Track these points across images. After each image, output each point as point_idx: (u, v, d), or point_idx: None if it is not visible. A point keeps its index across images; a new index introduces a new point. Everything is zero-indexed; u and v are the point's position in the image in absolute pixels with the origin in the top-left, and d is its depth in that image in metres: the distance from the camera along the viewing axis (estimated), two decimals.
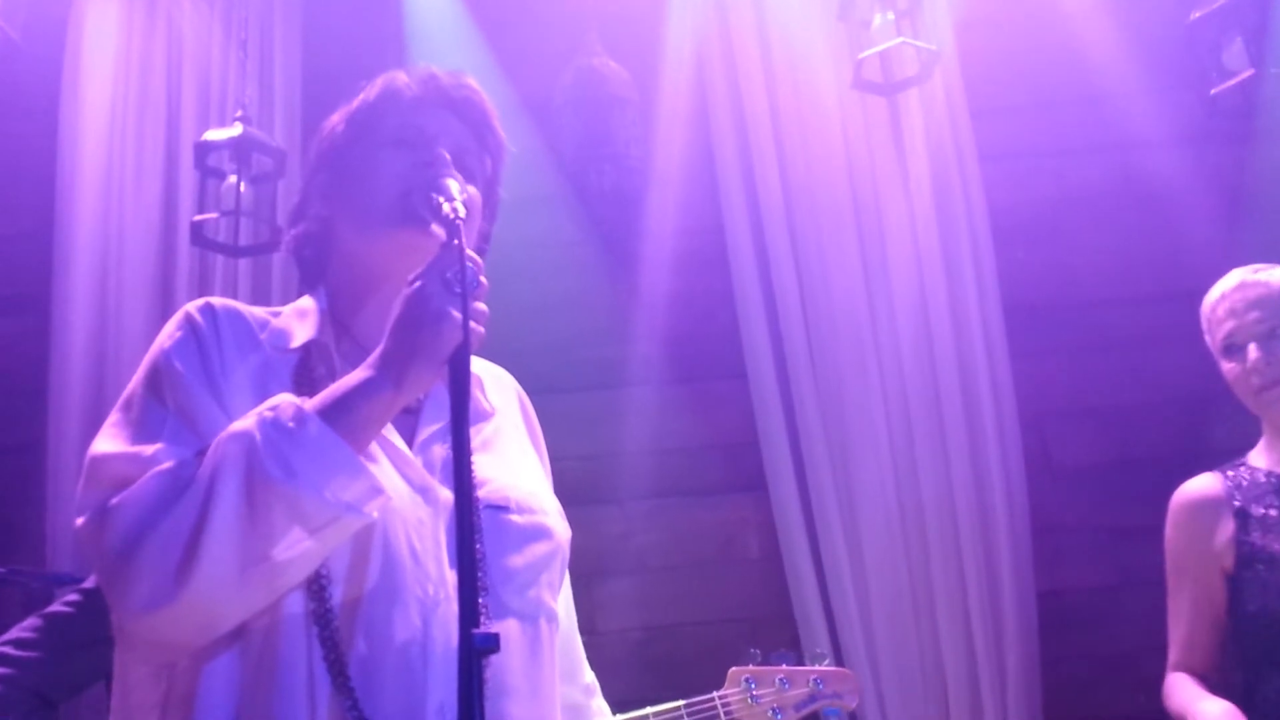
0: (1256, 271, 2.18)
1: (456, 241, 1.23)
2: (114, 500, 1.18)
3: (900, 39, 3.04)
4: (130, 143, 3.39)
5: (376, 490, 1.19)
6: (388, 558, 1.24)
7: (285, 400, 1.20)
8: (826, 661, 2.09)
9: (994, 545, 3.10)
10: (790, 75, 3.41)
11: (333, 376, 1.33)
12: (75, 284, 3.27)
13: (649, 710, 1.98)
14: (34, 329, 3.31)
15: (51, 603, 2.28)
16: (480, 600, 1.20)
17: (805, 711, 2.02)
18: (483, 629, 1.00)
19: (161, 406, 1.26)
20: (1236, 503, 2.15)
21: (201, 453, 1.20)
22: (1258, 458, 2.21)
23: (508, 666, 1.27)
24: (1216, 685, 2.14)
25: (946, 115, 3.37)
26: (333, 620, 1.20)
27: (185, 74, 3.45)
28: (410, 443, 1.35)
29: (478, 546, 1.26)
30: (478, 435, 1.41)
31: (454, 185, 1.34)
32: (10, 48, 3.17)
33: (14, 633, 2.16)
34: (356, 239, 1.43)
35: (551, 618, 1.39)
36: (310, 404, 1.20)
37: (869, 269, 3.30)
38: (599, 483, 3.24)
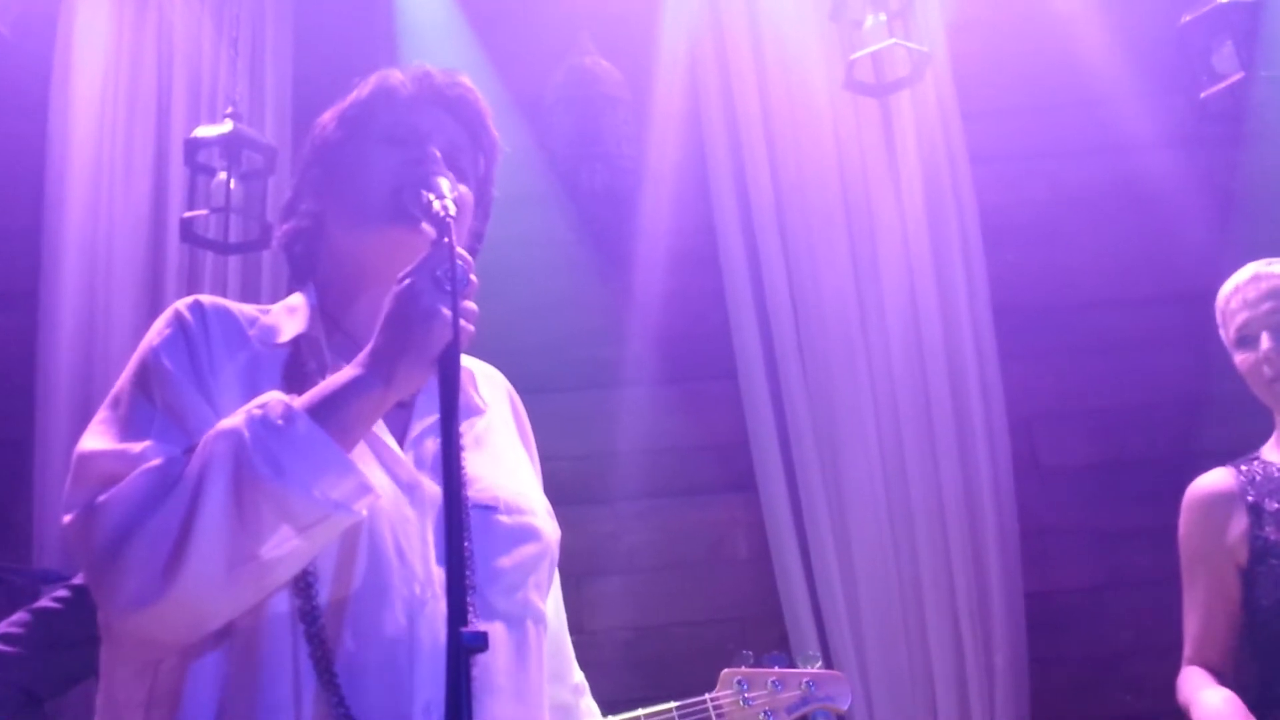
0: (1270, 264, 2.19)
1: (447, 239, 1.23)
2: (102, 497, 1.17)
3: (892, 40, 3.04)
4: (120, 139, 3.37)
5: (365, 488, 1.18)
6: (374, 556, 1.23)
7: (274, 398, 1.20)
8: (818, 664, 2.09)
9: (982, 546, 3.11)
10: (782, 76, 3.41)
11: (324, 371, 1.33)
12: (64, 280, 3.26)
13: (641, 712, 1.98)
14: (22, 325, 3.29)
15: (38, 599, 2.27)
16: (467, 600, 1.19)
17: (797, 714, 2.02)
18: (471, 627, 1.00)
19: (150, 404, 1.26)
20: (1250, 497, 2.15)
21: (190, 450, 1.20)
22: (1271, 452, 2.22)
23: (494, 667, 1.27)
24: (1230, 679, 2.15)
25: (938, 117, 3.37)
26: (319, 618, 1.20)
27: (176, 70, 3.43)
28: (403, 437, 1.34)
29: (465, 545, 1.26)
30: (469, 432, 1.41)
31: (445, 183, 1.34)
32: (0, 43, 3.15)
33: (1, 628, 2.15)
34: (347, 236, 1.42)
35: (539, 619, 1.39)
36: (299, 402, 1.20)
37: (860, 270, 3.30)
38: (589, 482, 3.23)
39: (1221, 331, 2.26)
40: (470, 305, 1.22)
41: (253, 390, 1.27)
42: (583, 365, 3.36)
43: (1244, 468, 2.21)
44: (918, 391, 3.20)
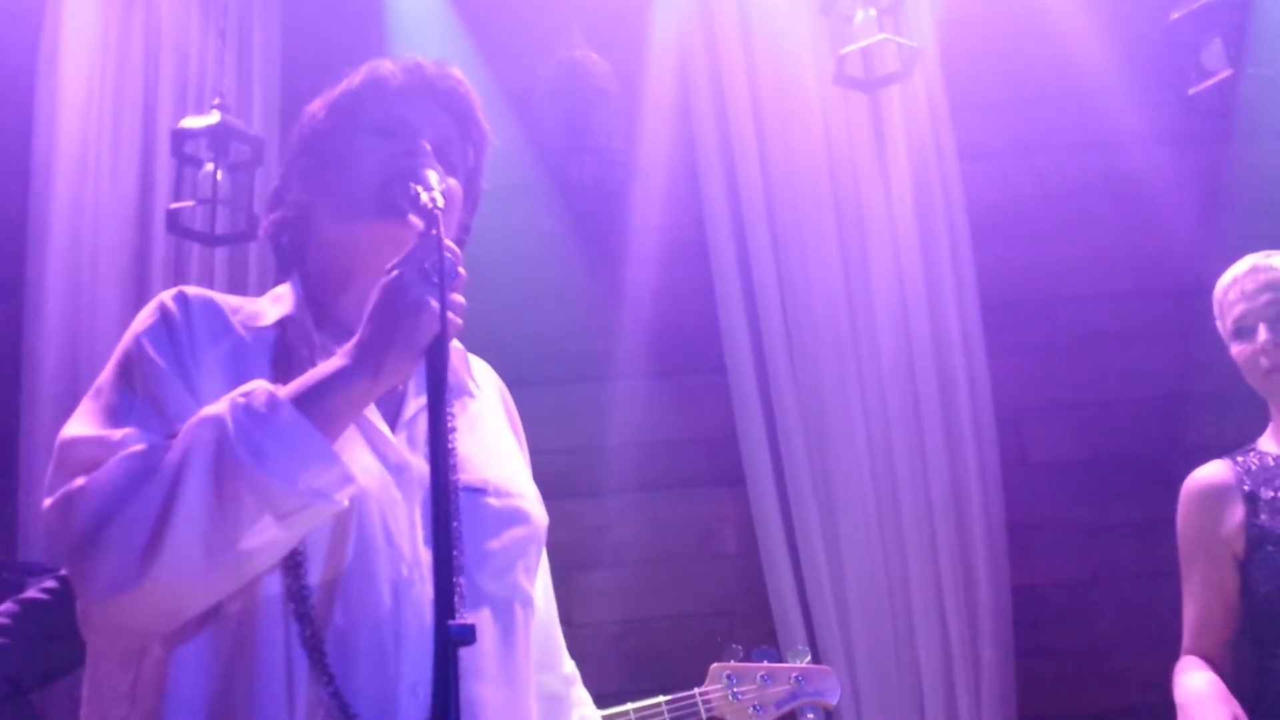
0: (1269, 256, 2.20)
1: (435, 232, 1.22)
2: (80, 483, 1.17)
3: (882, 35, 3.04)
4: (107, 130, 3.35)
5: (347, 479, 1.18)
6: (361, 538, 1.23)
7: (259, 386, 1.20)
8: (807, 658, 2.09)
9: (970, 540, 3.12)
10: (772, 70, 3.41)
11: (313, 353, 1.33)
12: (50, 272, 3.24)
13: (630, 706, 1.98)
14: (8, 317, 3.27)
15: (21, 591, 2.26)
16: (455, 581, 1.20)
17: (786, 709, 2.03)
18: (459, 618, 1.00)
19: (131, 392, 1.26)
20: (1246, 487, 2.16)
21: (171, 438, 1.19)
22: (1267, 443, 2.23)
23: (481, 650, 1.26)
24: (1227, 668, 2.16)
25: (927, 112, 3.38)
26: (309, 598, 1.20)
27: (163, 61, 3.41)
28: (396, 417, 1.34)
29: (454, 526, 1.26)
30: (461, 413, 1.41)
31: (433, 176, 1.34)
32: None
33: None
34: (335, 227, 1.42)
35: (526, 603, 1.39)
36: (284, 391, 1.20)
37: (848, 265, 3.31)
38: (578, 476, 3.23)
39: (1219, 323, 2.27)
40: (458, 298, 1.22)
41: (238, 376, 1.26)
42: (572, 358, 3.36)
43: (1240, 459, 2.22)
44: (906, 386, 3.21)
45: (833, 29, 3.25)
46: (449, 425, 1.33)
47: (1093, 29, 3.44)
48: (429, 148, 1.40)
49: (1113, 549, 3.23)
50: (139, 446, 1.18)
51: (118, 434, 1.21)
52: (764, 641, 2.91)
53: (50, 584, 2.20)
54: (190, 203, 3.13)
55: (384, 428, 1.32)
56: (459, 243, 1.46)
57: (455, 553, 1.23)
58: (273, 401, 1.17)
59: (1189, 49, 3.24)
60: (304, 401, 1.18)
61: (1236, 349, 2.20)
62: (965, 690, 3.03)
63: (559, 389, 3.25)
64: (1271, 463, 2.18)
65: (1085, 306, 3.39)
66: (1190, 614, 2.24)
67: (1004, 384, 3.27)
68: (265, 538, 1.14)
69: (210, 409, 1.18)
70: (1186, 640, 2.24)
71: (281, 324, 1.37)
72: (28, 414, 3.15)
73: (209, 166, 3.10)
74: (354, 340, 1.22)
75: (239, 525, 1.13)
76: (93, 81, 3.37)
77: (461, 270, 1.23)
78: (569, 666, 1.63)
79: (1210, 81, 3.18)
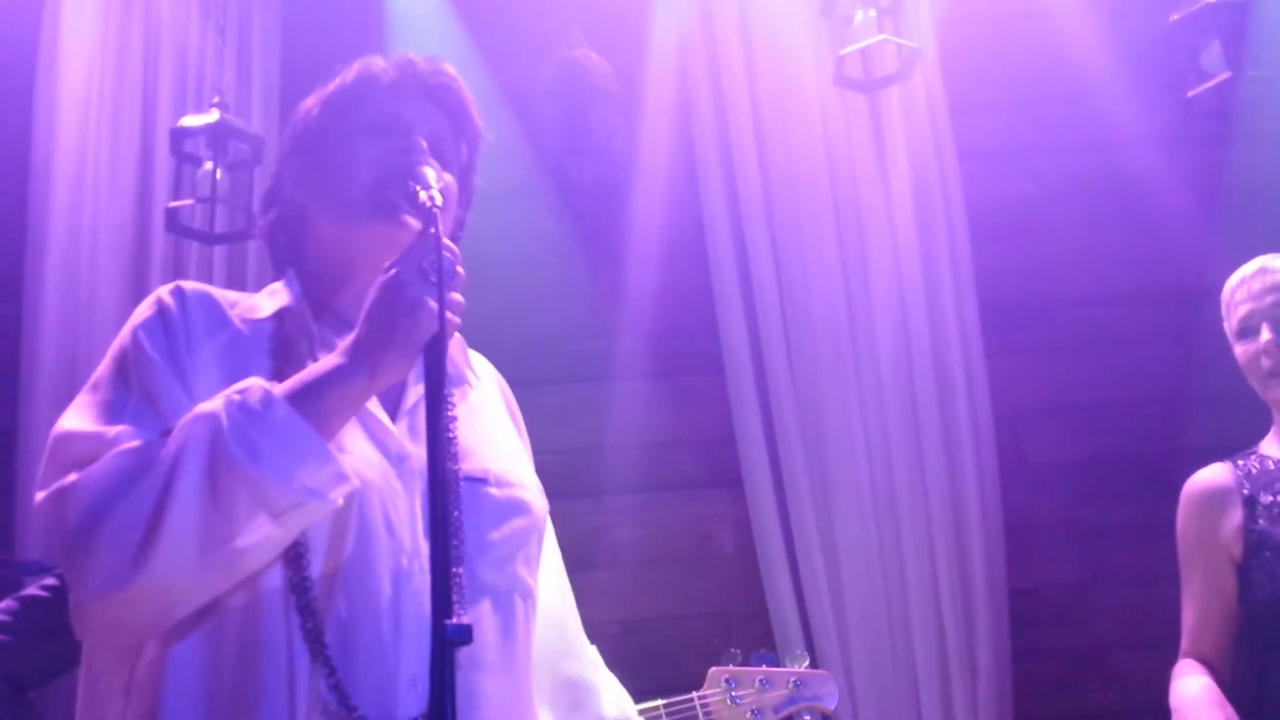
0: (1277, 258, 2.20)
1: (433, 230, 1.22)
2: (74, 478, 1.17)
3: (882, 36, 3.04)
4: (106, 128, 3.35)
5: (341, 477, 1.18)
6: (362, 529, 1.23)
7: (254, 383, 1.20)
8: (806, 663, 2.09)
9: (967, 542, 3.12)
10: (772, 70, 3.41)
11: (313, 345, 1.33)
12: (48, 270, 3.23)
13: None
14: (6, 314, 3.27)
15: (18, 589, 2.26)
16: (456, 571, 1.20)
17: (784, 713, 2.03)
18: (458, 610, 1.00)
19: (126, 388, 1.26)
20: (1245, 491, 2.16)
21: (166, 434, 1.19)
22: (1269, 447, 2.23)
23: (481, 641, 1.26)
24: (1225, 672, 2.16)
25: (926, 113, 3.38)
26: (311, 589, 1.19)
27: (162, 59, 3.41)
28: (397, 406, 1.34)
29: (455, 515, 1.26)
30: (461, 402, 1.41)
31: (431, 173, 1.34)
32: None
33: None
34: (332, 226, 1.42)
35: (526, 594, 1.39)
36: (280, 389, 1.20)
37: (847, 266, 3.31)
38: (575, 476, 3.23)
39: (1225, 323, 2.27)
40: (456, 297, 1.22)
41: (235, 368, 1.26)
42: (570, 359, 3.36)
43: (1241, 462, 2.22)
44: (904, 387, 3.21)
45: (832, 30, 3.24)
46: (449, 415, 1.33)
47: (1092, 30, 3.44)
48: (425, 145, 1.40)
49: (1111, 551, 3.23)
50: (133, 443, 1.18)
51: (112, 430, 1.20)
52: (761, 642, 2.92)
53: (50, 581, 2.20)
54: (189, 201, 3.13)
55: (384, 418, 1.32)
56: (454, 240, 1.47)
57: (455, 542, 1.23)
58: (268, 399, 1.17)
59: (1188, 51, 3.24)
60: (300, 399, 1.18)
61: (1240, 349, 2.20)
62: (962, 692, 3.03)
63: (557, 389, 3.25)
64: (1272, 466, 2.17)
65: (1084, 307, 3.39)
66: (1189, 617, 2.24)
67: (1002, 385, 3.27)
68: (260, 535, 1.14)
69: (205, 406, 1.18)
70: (1185, 643, 2.24)
71: (279, 315, 1.37)
72: (26, 412, 3.15)
73: (208, 165, 3.10)
74: (351, 338, 1.22)
75: (233, 523, 1.13)
76: (92, 79, 3.37)
77: (460, 269, 1.23)
78: (592, 651, 1.64)
79: (1209, 83, 3.18)
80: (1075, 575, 3.26)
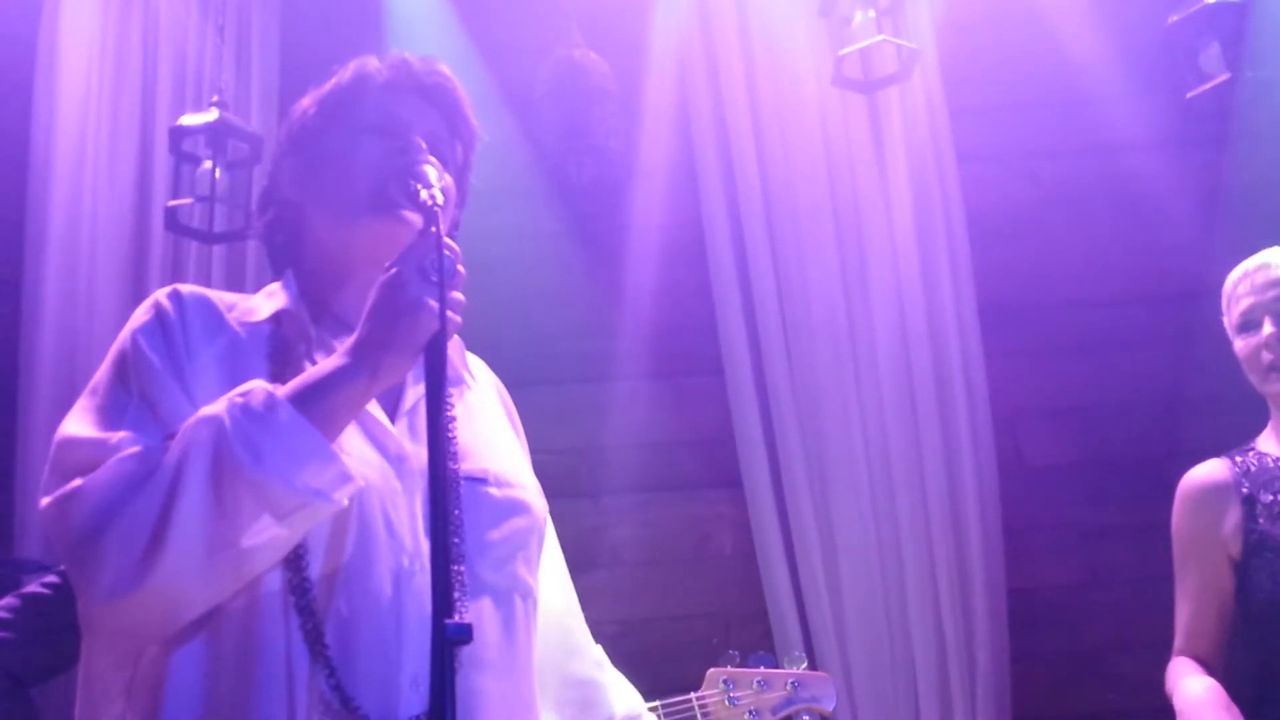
0: None
1: (434, 229, 1.22)
2: (79, 484, 1.17)
3: (881, 37, 3.04)
4: (105, 127, 3.35)
5: (346, 477, 1.18)
6: (362, 529, 1.24)
7: (257, 385, 1.20)
8: (804, 664, 2.09)
9: (966, 542, 3.12)
10: (771, 71, 3.41)
11: (310, 347, 1.33)
12: (47, 269, 3.23)
13: None
14: (5, 314, 3.26)
15: (16, 589, 2.26)
16: (456, 569, 1.20)
17: (782, 714, 2.02)
18: (459, 610, 1.00)
19: (126, 392, 1.26)
20: (1244, 489, 2.14)
21: (169, 438, 1.19)
22: (1267, 443, 2.20)
23: (483, 640, 1.27)
24: (1220, 670, 2.14)
25: (925, 114, 3.38)
26: (310, 590, 1.20)
27: (162, 58, 3.41)
28: (396, 407, 1.35)
29: (455, 514, 1.26)
30: (461, 401, 1.42)
31: (432, 172, 1.34)
32: None
33: None
34: (331, 226, 1.42)
35: (526, 594, 1.39)
36: (282, 390, 1.20)
37: (846, 267, 3.31)
38: (574, 476, 3.23)
39: (1225, 318, 2.25)
40: (457, 296, 1.22)
41: (233, 372, 1.27)
42: (569, 359, 3.36)
43: (1239, 459, 2.19)
44: (903, 388, 3.21)
45: (831, 30, 3.25)
46: (448, 416, 1.33)
47: (1091, 32, 3.44)
48: (423, 144, 1.40)
49: (1109, 552, 3.23)
50: (135, 449, 1.18)
51: (114, 436, 1.21)
52: (760, 643, 2.92)
53: (52, 579, 2.20)
54: (188, 200, 3.13)
55: (383, 418, 1.32)
56: (451, 239, 1.47)
57: (456, 541, 1.23)
58: (271, 401, 1.17)
59: (1187, 52, 3.24)
60: (302, 400, 1.18)
61: (1240, 343, 2.18)
62: (960, 693, 3.03)
63: (556, 389, 3.25)
64: (1271, 464, 2.15)
65: (1083, 309, 3.39)
66: (1183, 615, 2.21)
67: (1001, 386, 3.27)
68: (265, 537, 1.14)
69: (208, 409, 1.18)
70: (1178, 641, 2.22)
71: (277, 318, 1.37)
72: (24, 412, 3.15)
73: (207, 164, 3.10)
74: (352, 339, 1.22)
75: (239, 525, 1.13)
76: (91, 78, 3.36)
77: (460, 268, 1.23)
78: (596, 651, 1.64)
79: (1208, 85, 3.18)
80: (1074, 576, 3.26)
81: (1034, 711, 3.11)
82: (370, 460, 1.27)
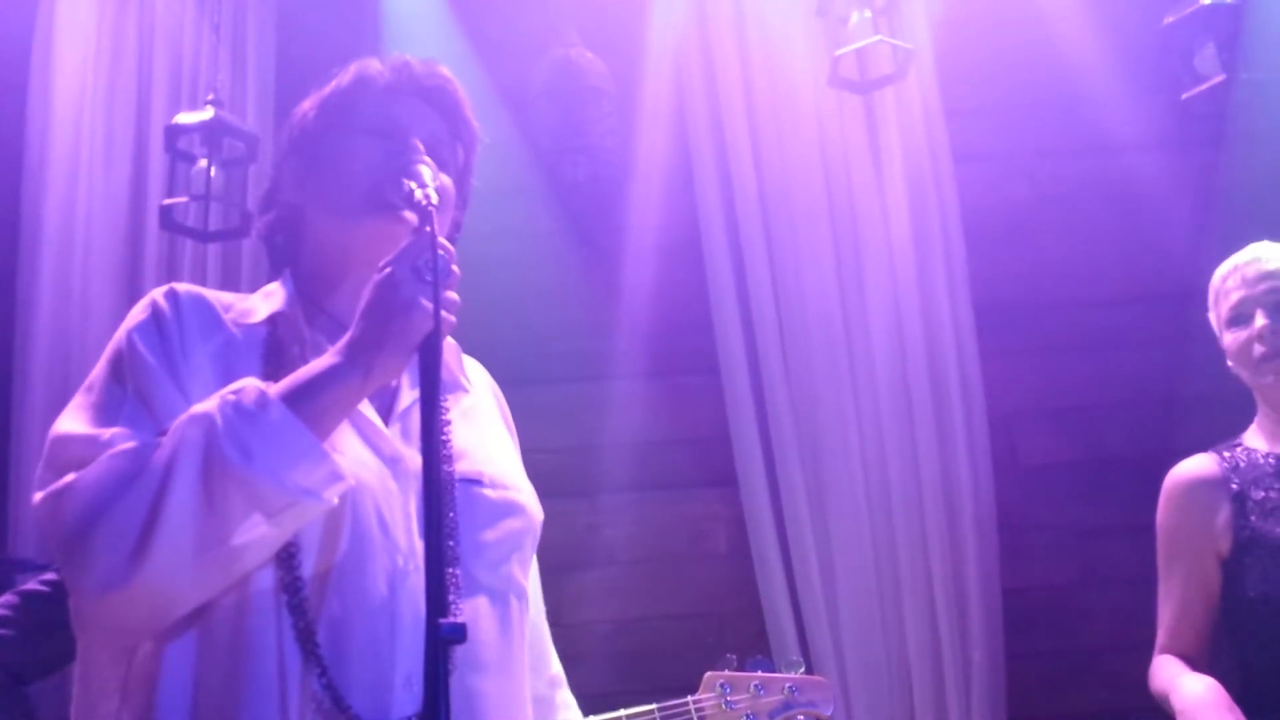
0: (1271, 246, 2.17)
1: (428, 229, 1.23)
2: (71, 480, 1.17)
3: (877, 37, 3.04)
4: (100, 125, 3.34)
5: (337, 476, 1.18)
6: (356, 529, 1.24)
7: (249, 384, 1.20)
8: (802, 669, 2.09)
9: (961, 542, 3.12)
10: (767, 70, 3.41)
11: (304, 349, 1.33)
12: (41, 267, 3.23)
13: (622, 712, 1.97)
14: None
15: (10, 588, 2.26)
16: (451, 571, 1.20)
17: (779, 718, 2.02)
18: (454, 610, 1.00)
19: (121, 390, 1.26)
20: (1234, 485, 2.11)
21: (161, 435, 1.19)
22: (1254, 438, 2.18)
23: (478, 641, 1.27)
24: (1204, 669, 2.10)
25: (921, 114, 3.38)
26: (302, 589, 1.20)
27: (157, 56, 3.40)
28: (390, 409, 1.35)
29: (450, 517, 1.26)
30: (456, 406, 1.42)
31: (427, 172, 1.35)
32: None
33: None
34: (329, 227, 1.43)
35: (521, 595, 1.40)
36: (275, 389, 1.20)
37: (842, 266, 3.31)
38: (570, 475, 3.23)
39: (1212, 312, 2.23)
40: (452, 295, 1.22)
41: (228, 373, 1.27)
42: (565, 358, 3.36)
43: (1226, 454, 2.17)
44: (898, 388, 3.21)
45: (828, 30, 3.25)
46: (444, 418, 1.33)
47: (1087, 33, 3.45)
48: (421, 146, 1.40)
49: (1104, 552, 3.23)
50: (128, 445, 1.19)
51: (107, 433, 1.21)
52: (755, 641, 2.92)
53: (51, 576, 2.20)
54: (183, 198, 3.12)
55: (377, 420, 1.33)
56: (451, 241, 1.47)
57: (451, 543, 1.24)
58: (263, 399, 1.17)
59: (1182, 53, 3.24)
60: (295, 399, 1.18)
61: (1230, 337, 2.16)
62: (955, 692, 3.04)
63: (552, 388, 3.25)
64: (1260, 459, 2.13)
65: (1078, 309, 3.40)
66: (1168, 612, 2.18)
67: (996, 386, 3.27)
68: (255, 535, 1.15)
69: (200, 407, 1.18)
70: (1162, 638, 2.18)
71: (273, 320, 1.37)
72: (18, 410, 3.14)
73: (202, 162, 3.09)
74: (346, 338, 1.23)
75: (228, 523, 1.13)
76: (86, 76, 3.36)
77: (455, 268, 1.24)
78: (556, 668, 1.64)
79: (1203, 86, 3.18)
80: (1069, 576, 3.26)
81: (1029, 711, 3.11)
82: (366, 461, 1.28)
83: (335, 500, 1.19)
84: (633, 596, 3.26)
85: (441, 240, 1.22)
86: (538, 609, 1.59)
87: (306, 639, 1.18)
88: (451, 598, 1.15)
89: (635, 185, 3.45)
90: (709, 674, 2.02)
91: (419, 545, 1.25)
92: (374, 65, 1.47)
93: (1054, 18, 3.46)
